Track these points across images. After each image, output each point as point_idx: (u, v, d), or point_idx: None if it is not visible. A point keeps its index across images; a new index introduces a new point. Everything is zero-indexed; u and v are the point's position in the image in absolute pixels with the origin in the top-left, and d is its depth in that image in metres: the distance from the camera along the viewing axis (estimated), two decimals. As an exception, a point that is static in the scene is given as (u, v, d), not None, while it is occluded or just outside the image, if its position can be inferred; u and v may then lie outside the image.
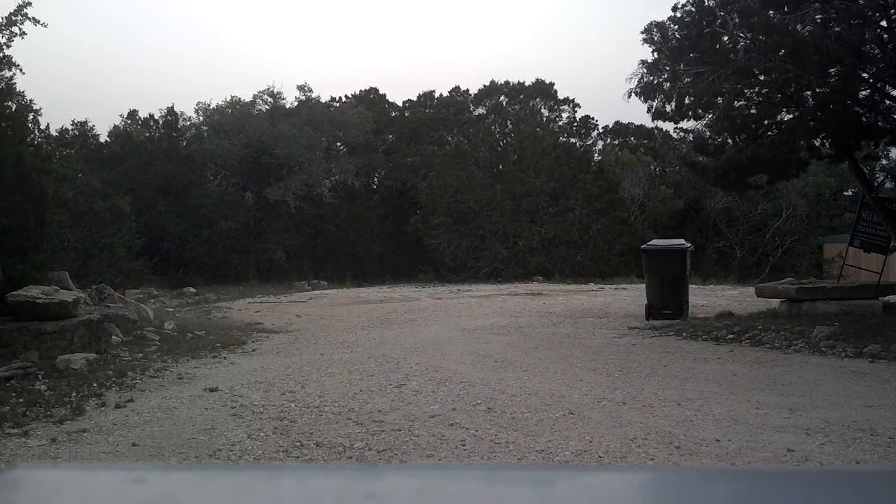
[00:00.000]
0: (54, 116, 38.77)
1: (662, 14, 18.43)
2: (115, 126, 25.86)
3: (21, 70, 9.96)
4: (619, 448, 4.56)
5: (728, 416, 5.28)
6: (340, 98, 29.93)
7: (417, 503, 0.73)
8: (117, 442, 4.89)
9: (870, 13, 9.07)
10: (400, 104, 30.42)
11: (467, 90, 31.48)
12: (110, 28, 49.89)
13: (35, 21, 9.93)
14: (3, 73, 9.81)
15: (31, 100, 10.35)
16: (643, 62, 10.89)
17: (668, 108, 10.78)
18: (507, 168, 25.13)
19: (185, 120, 26.07)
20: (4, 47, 9.72)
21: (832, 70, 9.53)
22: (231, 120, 25.20)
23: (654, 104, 10.83)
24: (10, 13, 9.79)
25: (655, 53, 10.85)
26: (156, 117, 25.70)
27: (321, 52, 52.95)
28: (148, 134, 25.56)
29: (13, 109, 9.46)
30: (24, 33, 9.87)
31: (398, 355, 8.27)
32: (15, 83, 10.01)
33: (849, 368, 7.22)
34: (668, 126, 13.37)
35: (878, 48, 9.41)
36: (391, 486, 0.79)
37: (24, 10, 9.80)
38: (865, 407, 5.55)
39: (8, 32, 9.71)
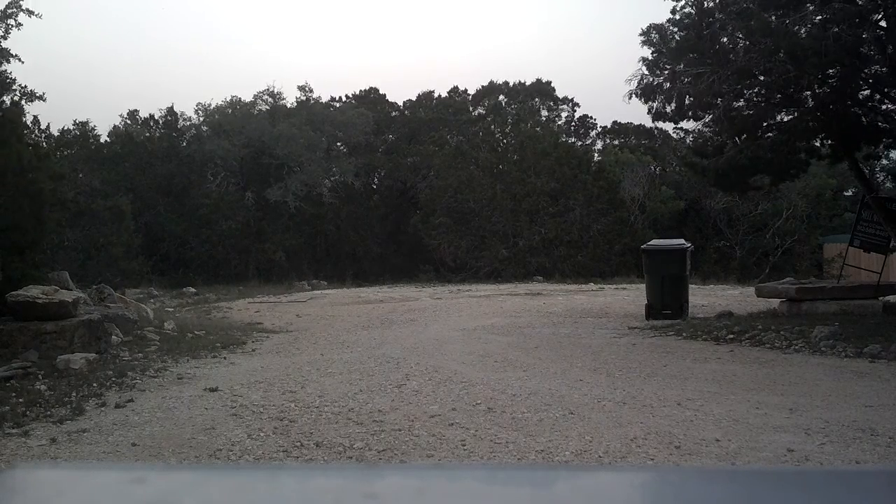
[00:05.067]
0: (55, 116, 38.79)
1: (661, 12, 18.44)
2: (115, 126, 25.92)
3: (20, 60, 9.94)
4: (619, 448, 4.55)
5: (728, 416, 5.27)
6: (340, 98, 29.99)
7: (417, 503, 0.73)
8: (117, 442, 4.89)
9: (868, 14, 9.06)
10: (400, 104, 30.47)
11: (466, 90, 31.54)
12: (110, 27, 49.89)
13: (30, 13, 9.93)
14: (2, 66, 9.81)
15: (32, 90, 10.32)
16: (643, 59, 10.90)
17: (668, 109, 10.79)
18: (507, 168, 25.13)
19: (185, 120, 26.10)
20: (2, 40, 9.73)
21: (831, 71, 9.54)
22: (231, 120, 25.21)
23: (655, 105, 10.83)
24: (6, 6, 9.79)
25: (655, 55, 10.85)
26: (156, 117, 25.74)
27: (321, 52, 52.99)
28: (148, 134, 25.57)
29: (11, 103, 9.46)
30: (20, 24, 9.88)
31: (398, 355, 8.27)
32: (14, 77, 10.02)
33: (849, 368, 7.22)
34: (668, 126, 13.39)
35: (877, 49, 9.41)
36: (391, 486, 0.79)
37: (20, 1, 9.81)
38: (865, 407, 5.55)
39: (4, 25, 9.71)
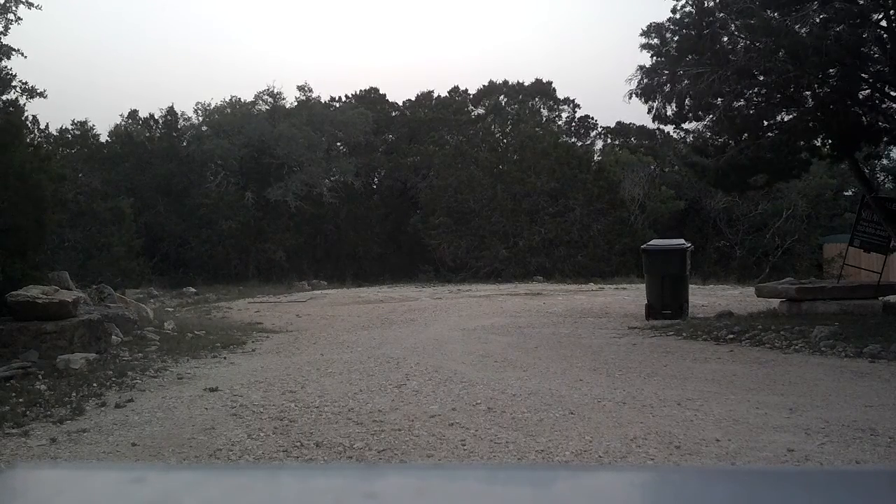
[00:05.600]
0: (54, 115, 38.83)
1: (661, 12, 18.43)
2: (115, 126, 25.91)
3: (22, 54, 9.94)
4: (619, 448, 4.55)
5: (728, 416, 5.27)
6: (340, 98, 29.98)
7: (417, 503, 0.73)
8: (117, 442, 4.89)
9: (869, 14, 9.07)
10: (400, 104, 30.46)
11: (466, 90, 31.54)
12: (110, 27, 49.90)
13: (29, 4, 9.92)
14: (2, 63, 9.80)
15: (33, 86, 10.30)
16: (642, 67, 10.90)
17: (668, 110, 10.78)
18: (507, 168, 25.14)
19: (185, 120, 26.08)
20: (2, 36, 9.72)
21: (832, 70, 9.53)
22: (231, 120, 25.20)
23: (655, 105, 10.82)
24: (5, 0, 9.78)
25: (655, 55, 10.85)
26: (156, 117, 25.74)
27: (321, 52, 52.99)
28: (148, 134, 25.56)
29: (10, 101, 9.45)
30: (19, 18, 9.87)
31: (398, 355, 8.27)
32: (14, 73, 10.01)
33: (849, 368, 7.22)
34: (668, 126, 13.39)
35: (877, 48, 9.41)
36: (391, 486, 0.79)
37: None
38: (865, 407, 5.55)
39: (3, 20, 9.70)
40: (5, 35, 9.74)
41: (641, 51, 10.86)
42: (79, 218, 16.82)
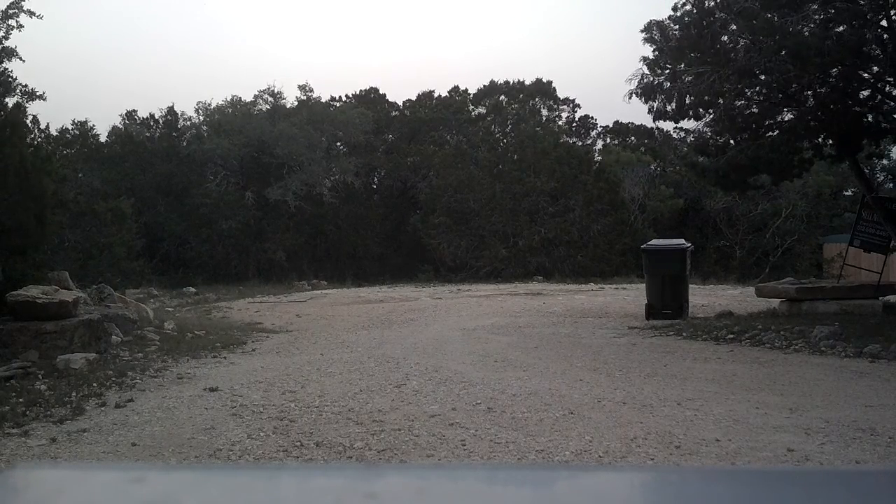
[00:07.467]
0: (53, 116, 38.84)
1: (661, 12, 18.45)
2: (114, 126, 25.91)
3: (21, 58, 10.00)
4: (619, 448, 4.55)
5: (728, 416, 5.27)
6: (341, 98, 29.94)
7: (417, 503, 0.73)
8: (117, 442, 4.89)
9: (870, 14, 9.06)
10: (400, 104, 30.43)
11: (466, 90, 31.49)
12: (110, 26, 49.89)
13: (31, 14, 9.99)
14: (4, 65, 9.86)
15: (33, 89, 10.36)
16: (644, 58, 10.88)
17: (668, 109, 10.77)
18: (506, 168, 25.13)
19: (185, 119, 26.08)
20: (3, 40, 9.77)
21: (833, 70, 9.53)
22: (231, 120, 25.18)
23: (655, 104, 10.82)
24: (7, 6, 9.84)
25: (656, 53, 10.84)
26: (156, 117, 25.73)
27: (321, 52, 53.00)
28: (148, 134, 25.55)
29: (14, 105, 9.50)
30: (21, 26, 9.92)
31: (398, 355, 8.27)
32: (15, 76, 10.06)
33: (849, 368, 7.22)
34: (668, 126, 13.42)
35: (878, 48, 9.41)
36: (391, 486, 0.79)
37: (21, 2, 9.86)
38: (865, 407, 5.55)
39: (5, 26, 9.76)
40: (7, 40, 9.80)
41: (643, 44, 10.85)
42: (79, 218, 16.80)
